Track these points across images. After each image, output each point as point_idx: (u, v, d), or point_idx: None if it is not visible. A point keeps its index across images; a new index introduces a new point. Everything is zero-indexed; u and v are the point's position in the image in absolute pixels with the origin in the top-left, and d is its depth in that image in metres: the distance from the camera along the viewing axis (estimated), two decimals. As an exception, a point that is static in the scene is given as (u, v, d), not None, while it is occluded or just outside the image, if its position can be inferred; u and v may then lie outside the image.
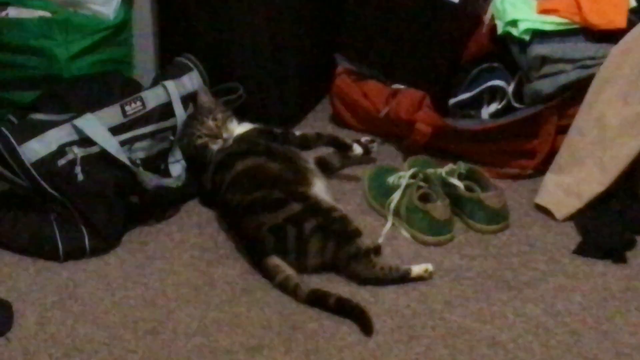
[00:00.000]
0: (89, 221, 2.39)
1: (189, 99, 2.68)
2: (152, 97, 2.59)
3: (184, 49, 2.79)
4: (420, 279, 2.28)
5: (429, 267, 2.29)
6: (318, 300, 2.20)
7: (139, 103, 2.55)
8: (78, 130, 2.41)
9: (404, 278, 2.28)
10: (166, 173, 2.61)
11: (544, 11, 2.68)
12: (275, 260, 2.29)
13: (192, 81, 2.70)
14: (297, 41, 2.91)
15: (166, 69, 2.75)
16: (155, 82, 2.65)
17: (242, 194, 2.40)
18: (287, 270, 2.27)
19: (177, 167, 2.62)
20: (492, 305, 2.21)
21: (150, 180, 2.49)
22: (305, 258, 2.30)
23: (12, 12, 2.70)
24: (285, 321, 2.17)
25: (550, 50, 2.64)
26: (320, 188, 2.45)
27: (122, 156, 2.45)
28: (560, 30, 2.66)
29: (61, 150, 2.38)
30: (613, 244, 2.37)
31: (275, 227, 2.31)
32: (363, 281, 2.28)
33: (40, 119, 2.45)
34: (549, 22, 2.66)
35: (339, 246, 2.28)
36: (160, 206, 2.55)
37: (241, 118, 2.72)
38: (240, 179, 2.44)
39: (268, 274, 2.29)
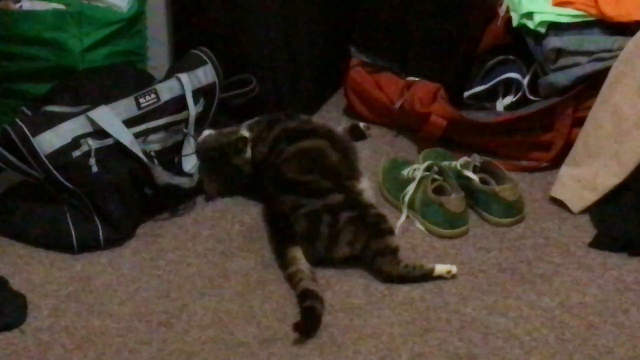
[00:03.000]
0: (103, 213, 2.39)
1: (202, 92, 2.67)
2: (166, 90, 2.58)
3: (198, 41, 2.78)
4: (440, 278, 2.27)
5: (453, 269, 2.27)
6: (301, 300, 2.18)
7: (153, 95, 2.55)
8: (92, 122, 2.41)
9: (427, 276, 2.26)
10: (179, 166, 2.59)
11: (560, 3, 2.67)
12: (295, 252, 2.28)
13: (206, 74, 2.69)
14: (312, 33, 2.91)
15: (180, 62, 2.74)
16: (169, 75, 2.64)
17: (296, 172, 2.42)
18: (302, 264, 2.26)
19: (190, 161, 2.61)
20: (507, 298, 2.21)
21: (163, 177, 2.48)
22: (335, 247, 2.30)
23: (26, 4, 2.70)
24: (299, 313, 2.16)
25: (566, 42, 2.63)
26: (366, 186, 2.45)
27: (136, 148, 2.45)
28: (576, 22, 2.65)
29: (76, 142, 2.38)
30: (629, 236, 2.36)
31: (311, 213, 2.31)
32: (386, 278, 2.27)
33: (54, 110, 2.45)
34: (565, 15, 2.65)
35: (369, 240, 2.28)
36: (173, 200, 2.54)
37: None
38: (300, 156, 2.47)
39: (283, 262, 2.29)
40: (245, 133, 2.62)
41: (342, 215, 2.30)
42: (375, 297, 2.21)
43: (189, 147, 2.62)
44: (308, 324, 2.11)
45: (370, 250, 2.28)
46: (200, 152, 2.61)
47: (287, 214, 2.34)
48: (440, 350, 2.06)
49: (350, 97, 2.98)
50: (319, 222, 2.30)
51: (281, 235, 2.35)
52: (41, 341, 2.11)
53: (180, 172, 2.58)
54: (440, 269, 2.27)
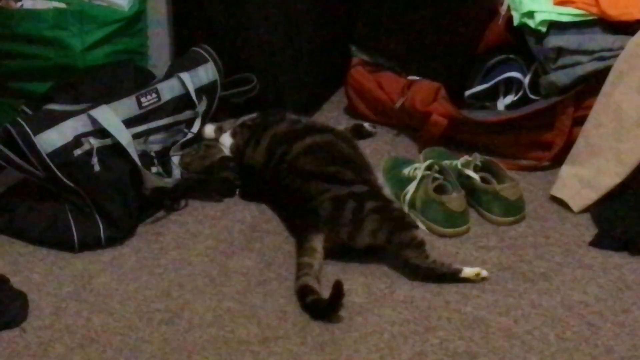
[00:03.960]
0: (105, 211, 2.39)
1: (204, 90, 2.67)
2: (167, 89, 2.59)
3: (199, 40, 2.79)
4: (468, 280, 2.26)
5: (483, 272, 2.25)
6: (301, 296, 2.19)
7: (154, 95, 2.55)
8: (94, 121, 2.41)
9: (454, 276, 2.25)
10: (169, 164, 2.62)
11: (561, 2, 2.67)
12: (316, 244, 2.28)
13: (207, 72, 2.70)
14: (313, 32, 2.91)
15: (181, 60, 2.75)
16: (170, 74, 2.65)
17: (316, 164, 2.44)
18: (315, 260, 2.25)
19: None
20: (507, 297, 2.21)
21: (151, 182, 2.48)
22: (358, 234, 2.29)
23: (27, 3, 2.70)
24: (300, 312, 2.17)
25: (567, 41, 2.63)
26: (382, 182, 2.46)
27: (132, 149, 2.44)
28: (577, 21, 2.65)
29: (77, 141, 2.38)
30: (629, 235, 2.36)
31: (337, 198, 2.32)
32: (412, 270, 2.26)
33: (55, 109, 2.45)
34: (566, 14, 2.66)
35: (394, 232, 2.27)
36: (169, 198, 2.54)
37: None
38: (316, 150, 2.48)
39: (300, 249, 2.28)
40: (227, 142, 2.65)
41: (367, 204, 2.30)
42: (376, 296, 2.21)
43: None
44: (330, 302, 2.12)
45: (395, 241, 2.27)
46: (187, 176, 2.62)
47: (313, 198, 2.35)
48: (441, 349, 2.06)
49: (351, 96, 2.99)
50: (344, 207, 2.30)
51: (304, 222, 2.35)
52: (42, 340, 2.11)
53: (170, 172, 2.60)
54: (468, 271, 2.25)
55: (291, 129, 2.60)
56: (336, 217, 2.31)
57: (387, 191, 2.47)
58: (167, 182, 2.55)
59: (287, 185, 2.46)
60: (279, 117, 2.66)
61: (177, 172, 2.60)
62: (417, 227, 2.33)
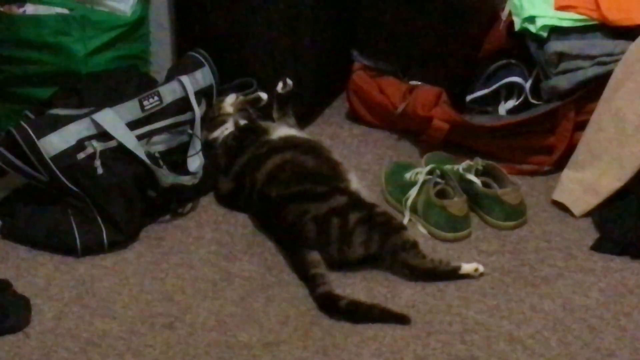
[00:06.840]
0: (108, 215, 2.39)
1: (201, 93, 2.68)
2: (169, 92, 2.59)
3: (201, 45, 2.78)
4: (467, 277, 2.28)
5: (480, 267, 2.28)
6: (329, 302, 2.19)
7: (156, 98, 2.55)
8: (97, 125, 2.42)
9: (453, 274, 2.27)
10: (184, 166, 2.60)
11: (562, 7, 2.67)
12: (315, 255, 2.29)
13: (204, 76, 2.70)
14: (314, 37, 2.91)
15: (179, 64, 2.75)
16: (170, 77, 2.65)
17: (283, 187, 2.42)
18: (323, 269, 2.27)
19: (195, 162, 2.61)
20: (509, 301, 2.21)
21: (167, 177, 2.49)
22: (349, 249, 2.29)
23: (30, 8, 2.70)
24: (302, 316, 2.17)
25: (568, 46, 2.64)
26: (356, 184, 2.45)
27: (140, 151, 2.45)
28: (578, 26, 2.65)
29: (80, 145, 2.38)
30: (631, 240, 2.36)
31: (319, 217, 2.31)
32: (411, 273, 2.27)
33: (58, 113, 2.46)
34: (567, 19, 2.66)
35: (386, 237, 2.28)
36: (176, 201, 2.54)
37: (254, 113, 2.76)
38: (278, 173, 2.46)
39: (304, 264, 2.28)
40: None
41: (351, 216, 2.30)
42: (378, 300, 2.22)
43: (194, 148, 2.62)
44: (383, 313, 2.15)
45: (389, 247, 2.27)
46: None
47: (294, 223, 2.34)
48: (442, 353, 2.06)
49: (352, 101, 2.99)
50: (329, 225, 2.30)
51: (294, 243, 2.34)
52: (45, 344, 2.11)
53: (185, 172, 2.59)
54: (467, 267, 2.27)
55: (253, 155, 2.56)
56: (323, 237, 2.30)
57: (365, 193, 2.45)
58: (184, 179, 2.55)
59: (265, 214, 2.46)
60: (256, 133, 2.64)
61: (199, 171, 2.60)
62: (405, 228, 2.33)
